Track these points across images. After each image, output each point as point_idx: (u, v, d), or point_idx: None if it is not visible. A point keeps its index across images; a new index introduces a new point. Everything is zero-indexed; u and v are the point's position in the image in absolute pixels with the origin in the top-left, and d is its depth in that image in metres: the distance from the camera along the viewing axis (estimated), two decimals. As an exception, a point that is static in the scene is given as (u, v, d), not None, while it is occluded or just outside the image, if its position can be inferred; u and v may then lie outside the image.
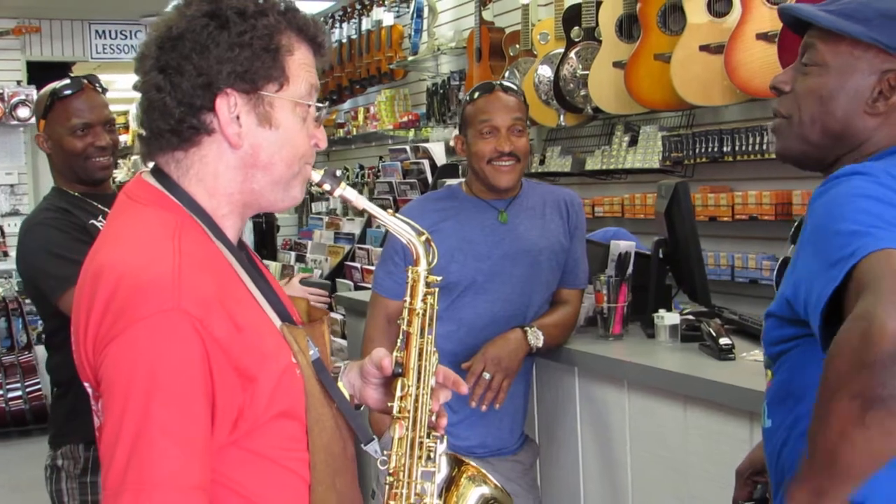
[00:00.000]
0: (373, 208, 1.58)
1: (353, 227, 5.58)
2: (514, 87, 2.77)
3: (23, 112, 7.68)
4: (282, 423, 1.39)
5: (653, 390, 2.63)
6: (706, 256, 3.85)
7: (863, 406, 1.16)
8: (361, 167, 7.58)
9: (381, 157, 7.16)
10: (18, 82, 8.19)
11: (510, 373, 2.64)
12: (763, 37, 3.61)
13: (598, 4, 4.53)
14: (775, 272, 3.83)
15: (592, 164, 4.80)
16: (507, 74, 5.24)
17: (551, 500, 3.05)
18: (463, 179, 2.92)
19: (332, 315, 3.96)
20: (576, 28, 4.64)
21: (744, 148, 3.88)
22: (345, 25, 7.43)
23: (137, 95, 1.45)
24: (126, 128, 11.74)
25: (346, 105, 8.01)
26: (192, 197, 1.41)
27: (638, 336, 3.00)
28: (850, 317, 1.21)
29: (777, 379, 1.51)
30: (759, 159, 3.85)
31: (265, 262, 4.41)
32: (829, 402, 1.20)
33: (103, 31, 8.77)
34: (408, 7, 6.67)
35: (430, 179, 5.41)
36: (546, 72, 4.85)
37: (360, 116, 7.44)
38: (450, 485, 1.63)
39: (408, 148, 5.90)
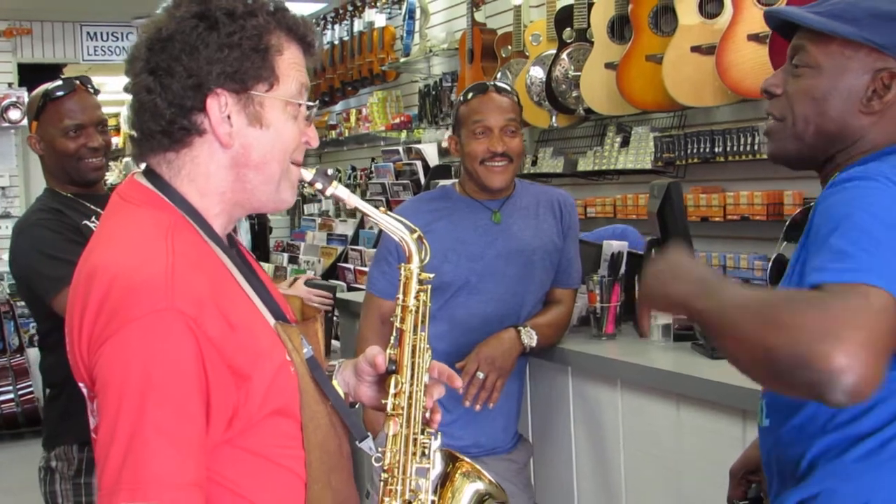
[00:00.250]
0: (365, 206, 1.58)
1: (345, 228, 5.58)
2: (508, 88, 2.78)
3: (14, 114, 7.66)
4: (276, 420, 1.39)
5: (646, 389, 2.64)
6: (698, 256, 3.86)
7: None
8: (354, 168, 7.58)
9: (373, 159, 7.16)
10: (10, 84, 8.18)
11: (504, 372, 2.64)
12: (754, 38, 3.63)
13: (590, 6, 4.55)
14: (768, 271, 3.85)
15: (584, 164, 4.81)
16: (499, 76, 5.25)
17: (545, 499, 3.06)
18: (456, 180, 2.92)
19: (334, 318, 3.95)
20: (568, 29, 4.66)
21: (735, 148, 3.90)
22: (337, 27, 7.44)
23: (129, 97, 1.45)
24: (117, 130, 11.72)
25: (338, 107, 8.02)
26: (184, 197, 1.42)
27: (631, 335, 3.00)
28: (828, 296, 1.21)
29: None
30: (751, 160, 3.86)
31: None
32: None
33: (94, 33, 8.76)
34: (400, 8, 6.68)
35: (422, 180, 5.41)
36: (538, 73, 4.86)
37: (353, 118, 7.45)
38: (444, 481, 1.64)
39: (400, 149, 5.90)
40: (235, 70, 1.38)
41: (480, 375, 2.61)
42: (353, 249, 4.98)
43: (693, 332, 2.74)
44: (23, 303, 6.06)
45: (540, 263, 2.77)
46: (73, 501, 2.63)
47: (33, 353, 6.41)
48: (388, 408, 1.54)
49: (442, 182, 4.48)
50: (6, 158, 8.07)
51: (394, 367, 1.56)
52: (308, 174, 1.51)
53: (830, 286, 1.23)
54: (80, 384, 1.38)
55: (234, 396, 1.32)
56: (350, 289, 4.59)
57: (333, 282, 4.17)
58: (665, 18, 4.12)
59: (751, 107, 3.96)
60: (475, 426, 2.73)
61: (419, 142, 6.21)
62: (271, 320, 1.43)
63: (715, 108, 4.04)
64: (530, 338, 2.69)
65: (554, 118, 4.86)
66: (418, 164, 5.55)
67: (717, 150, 3.98)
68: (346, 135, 7.59)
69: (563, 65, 4.68)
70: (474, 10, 5.56)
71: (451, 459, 1.65)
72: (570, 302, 2.89)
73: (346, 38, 7.28)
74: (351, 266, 4.83)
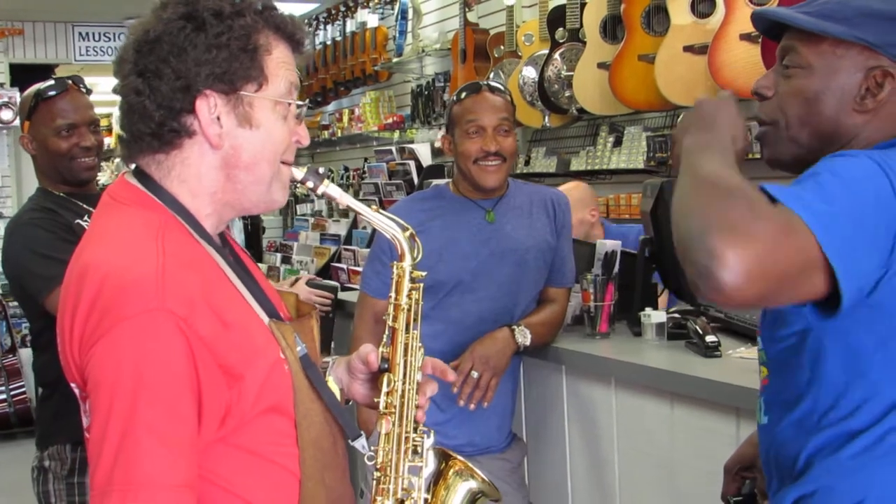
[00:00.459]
0: (357, 205, 1.58)
1: (338, 228, 5.58)
2: (501, 88, 2.78)
3: (6, 115, 7.64)
4: (270, 418, 1.39)
5: (640, 388, 2.64)
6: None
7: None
8: (346, 169, 7.58)
9: (366, 159, 7.16)
10: (1, 85, 8.15)
11: (498, 371, 2.64)
12: (746, 37, 3.63)
13: (583, 6, 4.55)
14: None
15: (577, 164, 4.81)
16: (491, 76, 5.25)
17: (539, 498, 3.06)
18: (450, 180, 2.92)
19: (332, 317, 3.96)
20: (560, 29, 4.66)
21: (728, 148, 3.89)
22: (329, 27, 7.43)
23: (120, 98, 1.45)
24: (109, 130, 11.69)
25: (331, 107, 8.01)
26: (174, 197, 1.41)
27: (625, 334, 3.01)
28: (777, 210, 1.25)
29: (777, 379, 1.51)
30: (744, 159, 3.86)
31: None
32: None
33: (86, 34, 8.74)
34: (392, 9, 6.67)
35: (415, 180, 5.41)
36: (531, 73, 4.86)
37: (345, 118, 7.44)
38: (437, 479, 1.64)
39: (393, 149, 5.90)
40: (224, 71, 1.38)
41: (475, 374, 2.61)
42: (346, 249, 4.97)
43: (687, 330, 2.75)
44: (15, 303, 6.06)
45: (534, 262, 2.78)
46: (66, 501, 2.63)
47: (25, 354, 6.40)
48: (381, 406, 1.55)
49: (435, 182, 4.48)
50: (-2, 158, 8.06)
51: (386, 366, 1.56)
52: (299, 173, 1.50)
53: (778, 203, 1.26)
54: (72, 384, 1.38)
55: (227, 395, 1.32)
56: (344, 289, 4.58)
57: (333, 282, 4.16)
58: (657, 18, 4.13)
59: (743, 106, 3.90)
60: (469, 425, 2.73)
61: (412, 142, 6.21)
62: (265, 318, 1.42)
63: (707, 107, 4.04)
64: (524, 337, 2.69)
65: (546, 118, 4.86)
66: (411, 163, 5.55)
67: (709, 149, 3.98)
68: (339, 135, 7.58)
69: (555, 65, 4.68)
70: (467, 10, 5.56)
71: (444, 458, 1.66)
72: (564, 301, 2.90)
73: (338, 39, 7.27)
74: (344, 266, 4.82)
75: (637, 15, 4.17)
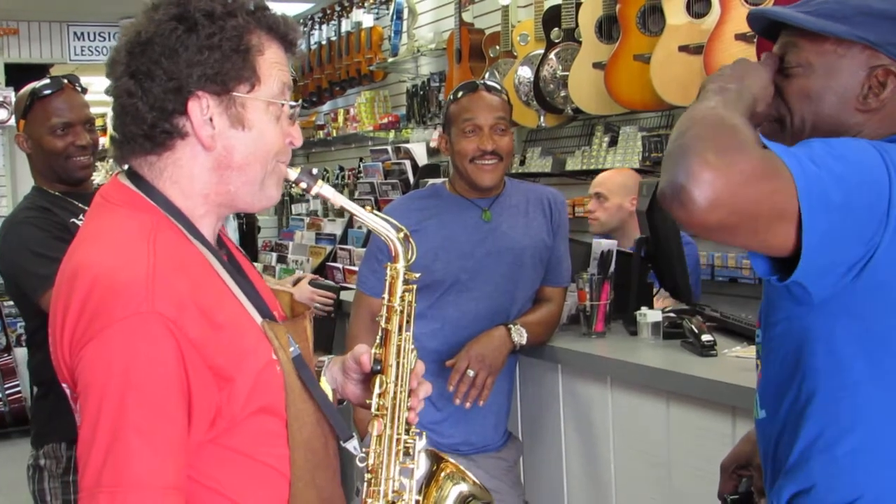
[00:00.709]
0: (350, 205, 1.57)
1: (334, 227, 5.57)
2: (498, 87, 2.78)
3: (1, 114, 7.62)
4: (261, 419, 1.39)
5: (636, 387, 2.65)
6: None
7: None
8: (342, 168, 7.57)
9: (361, 159, 7.15)
10: (-5, 84, 8.15)
11: (494, 370, 2.65)
12: (742, 37, 3.64)
13: (578, 6, 4.55)
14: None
15: (573, 164, 4.82)
16: (487, 75, 5.25)
17: (535, 496, 3.06)
18: (446, 179, 2.92)
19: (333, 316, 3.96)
20: (555, 29, 4.66)
21: (723, 147, 3.90)
22: (324, 27, 7.42)
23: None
24: (104, 130, 11.67)
25: (326, 107, 8.00)
26: (167, 198, 1.41)
27: (620, 333, 3.01)
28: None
29: (769, 369, 1.52)
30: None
31: None
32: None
33: (81, 33, 8.73)
34: (387, 9, 6.67)
35: (411, 180, 5.41)
36: (526, 73, 4.86)
37: (340, 118, 7.43)
38: (429, 481, 1.63)
39: (389, 148, 5.90)
40: (216, 72, 1.37)
41: (471, 373, 2.61)
42: (341, 249, 4.97)
43: (682, 329, 2.75)
44: (10, 302, 6.05)
45: (530, 261, 2.78)
46: (61, 499, 2.63)
47: (20, 353, 6.38)
48: (373, 408, 1.54)
49: (432, 181, 4.48)
50: (-6, 157, 8.05)
51: (379, 367, 1.56)
52: (293, 173, 1.50)
53: (769, 150, 1.29)
54: (64, 385, 1.38)
55: (217, 397, 1.33)
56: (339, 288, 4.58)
57: (334, 283, 4.16)
58: (653, 18, 4.13)
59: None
60: (465, 424, 2.73)
61: (407, 142, 6.21)
62: (258, 318, 1.42)
63: (703, 107, 4.04)
64: (520, 336, 2.69)
65: (542, 118, 4.86)
66: (407, 163, 5.55)
67: (704, 149, 3.98)
68: (334, 135, 7.58)
69: (551, 64, 4.68)
70: (462, 10, 5.56)
71: (436, 460, 1.65)
72: (560, 300, 2.90)
73: (333, 39, 7.26)
74: (340, 265, 4.82)
75: (632, 15, 4.18)
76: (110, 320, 1.26)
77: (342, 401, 1.68)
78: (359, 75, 6.91)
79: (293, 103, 1.47)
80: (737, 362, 2.51)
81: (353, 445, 1.53)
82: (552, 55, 4.68)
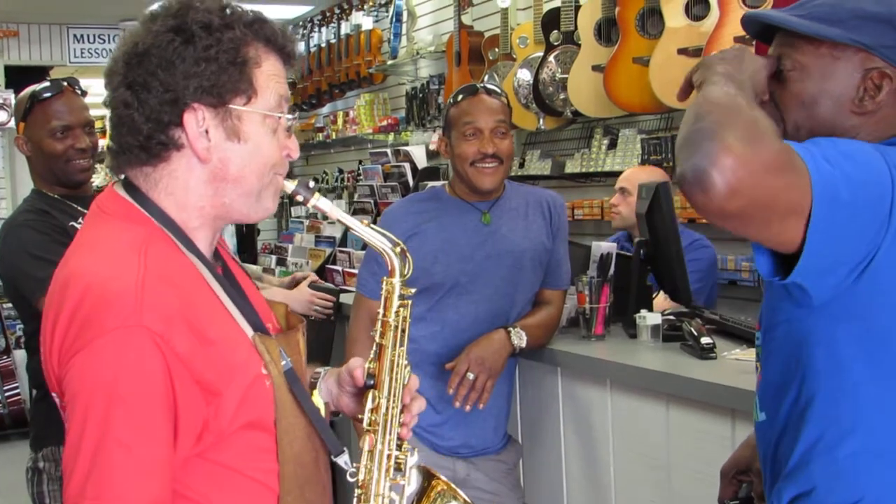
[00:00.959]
0: (347, 219, 1.56)
1: (333, 230, 5.57)
2: (498, 90, 2.78)
3: (0, 116, 7.62)
4: (249, 434, 1.39)
5: (635, 389, 2.65)
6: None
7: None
8: (341, 171, 7.57)
9: (360, 161, 7.15)
10: (-5, 87, 8.14)
11: (494, 373, 2.64)
12: (741, 40, 3.64)
13: (577, 8, 4.56)
14: (758, 273, 3.86)
15: (572, 167, 4.82)
16: (486, 78, 5.26)
17: (535, 499, 3.06)
18: (446, 182, 2.92)
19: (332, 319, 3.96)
20: (555, 32, 4.67)
21: (722, 150, 3.90)
22: (324, 30, 7.43)
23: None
24: (104, 132, 11.68)
25: (326, 109, 8.01)
26: (162, 209, 1.41)
27: (620, 336, 3.01)
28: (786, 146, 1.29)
29: (769, 371, 1.52)
30: None
31: (246, 265, 4.39)
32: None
33: (81, 36, 8.72)
34: (387, 11, 6.68)
35: (411, 182, 5.41)
36: (525, 75, 4.87)
37: (340, 120, 7.44)
38: (420, 498, 1.63)
39: (388, 151, 5.90)
40: (212, 84, 1.37)
41: (470, 376, 2.61)
42: (341, 251, 4.97)
43: (682, 332, 2.75)
44: (9, 304, 6.04)
45: (529, 264, 2.78)
46: (60, 502, 2.62)
47: (20, 355, 6.38)
48: (365, 423, 1.54)
49: (431, 184, 4.48)
50: (-6, 160, 8.04)
51: (372, 382, 1.55)
52: (290, 186, 1.49)
53: (786, 143, 1.30)
54: (53, 393, 1.38)
55: (204, 411, 1.32)
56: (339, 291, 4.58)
57: (334, 287, 4.16)
58: (652, 21, 4.14)
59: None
60: (465, 427, 2.73)
61: (406, 144, 6.21)
62: (249, 332, 1.41)
63: (702, 110, 4.04)
64: (520, 338, 2.69)
65: (541, 120, 4.86)
66: (406, 166, 5.54)
67: (704, 151, 3.98)
68: (333, 137, 7.58)
69: (550, 67, 4.69)
70: (461, 12, 5.56)
71: (427, 477, 1.64)
72: (560, 303, 2.90)
73: (333, 41, 7.27)
74: (339, 268, 4.82)
75: (631, 17, 4.18)
76: (98, 332, 1.26)
77: (337, 413, 1.68)
78: (358, 78, 6.91)
79: (290, 116, 1.46)
80: (736, 365, 2.51)
81: (343, 460, 1.53)
82: (551, 58, 4.68)
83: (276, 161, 1.45)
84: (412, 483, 1.56)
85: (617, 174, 4.52)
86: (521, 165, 5.11)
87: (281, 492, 1.42)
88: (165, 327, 1.27)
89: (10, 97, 7.50)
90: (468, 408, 2.64)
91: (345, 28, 7.12)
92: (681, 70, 3.83)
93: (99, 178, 9.84)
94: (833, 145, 1.33)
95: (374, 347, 1.57)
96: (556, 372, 2.92)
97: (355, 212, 5.69)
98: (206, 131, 1.38)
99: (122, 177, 1.45)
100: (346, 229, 5.36)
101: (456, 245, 2.72)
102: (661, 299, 3.23)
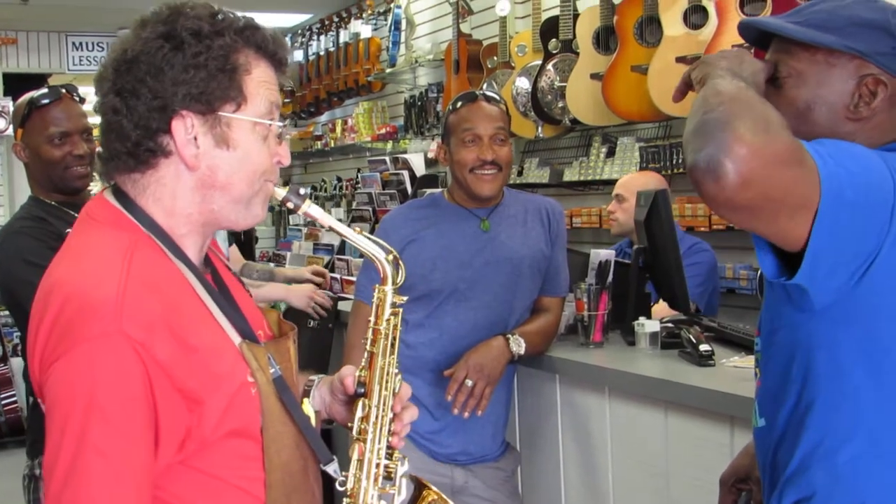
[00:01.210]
0: (339, 226, 1.55)
1: (332, 238, 5.56)
2: (497, 97, 2.79)
3: (-1, 123, 7.63)
4: (234, 442, 1.38)
5: (634, 397, 2.64)
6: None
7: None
8: (339, 179, 7.57)
9: (358, 169, 7.16)
10: (-7, 94, 8.15)
11: (492, 380, 2.64)
12: (739, 48, 3.64)
13: (576, 17, 4.57)
14: (756, 281, 3.87)
15: (570, 175, 4.83)
16: (484, 86, 5.26)
17: (532, 507, 3.05)
18: (444, 189, 2.92)
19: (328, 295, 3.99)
20: (553, 40, 4.68)
21: (720, 158, 3.90)
22: (322, 38, 7.44)
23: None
24: (102, 140, 11.68)
25: (324, 117, 8.01)
26: (149, 216, 1.40)
27: (618, 343, 3.01)
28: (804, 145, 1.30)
29: (769, 377, 1.52)
30: None
31: (254, 263, 4.41)
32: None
33: (80, 43, 8.74)
34: (385, 20, 6.69)
35: (409, 190, 5.41)
36: (524, 84, 4.87)
37: (338, 128, 7.44)
38: None
39: (387, 159, 5.90)
40: (201, 91, 1.36)
41: (469, 383, 2.61)
42: (339, 259, 4.96)
43: (680, 339, 2.75)
44: (5, 312, 6.03)
45: (528, 271, 2.78)
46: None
47: (17, 363, 6.36)
48: (354, 431, 1.53)
49: (429, 191, 4.48)
50: (-9, 167, 8.05)
51: (363, 390, 1.54)
52: (281, 192, 1.48)
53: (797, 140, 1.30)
54: (39, 400, 1.36)
55: (186, 419, 1.31)
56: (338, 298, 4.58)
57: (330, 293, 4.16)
58: (650, 29, 4.14)
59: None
60: (463, 434, 2.73)
61: (405, 152, 6.21)
62: (237, 339, 1.40)
63: (700, 118, 4.05)
64: (518, 346, 2.69)
65: (540, 129, 4.87)
66: (405, 173, 5.55)
67: (702, 160, 3.98)
68: (332, 145, 7.58)
69: (548, 75, 4.69)
70: (460, 20, 5.57)
71: (418, 487, 1.64)
72: (558, 310, 2.90)
73: (331, 49, 7.28)
74: (338, 276, 4.81)
75: (630, 26, 4.19)
76: (78, 340, 1.25)
77: (330, 421, 1.67)
78: (357, 86, 6.92)
79: (281, 123, 1.46)
80: (735, 372, 2.51)
81: (333, 469, 1.51)
82: (550, 66, 4.69)
83: (267, 168, 1.44)
84: (402, 492, 1.55)
85: (615, 182, 4.53)
86: (520, 173, 5.11)
87: (267, 500, 1.41)
88: (146, 335, 1.27)
89: (9, 105, 7.51)
90: (466, 415, 2.63)
91: (343, 36, 7.13)
92: (679, 78, 3.87)
93: (97, 186, 9.82)
94: (837, 146, 1.33)
95: (366, 356, 1.56)
96: (554, 379, 2.92)
97: (353, 220, 5.69)
98: (195, 138, 1.38)
99: (112, 184, 1.45)
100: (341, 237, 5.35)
101: (454, 252, 2.72)
102: (659, 306, 3.23)
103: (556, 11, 4.67)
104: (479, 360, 2.63)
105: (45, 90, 2.74)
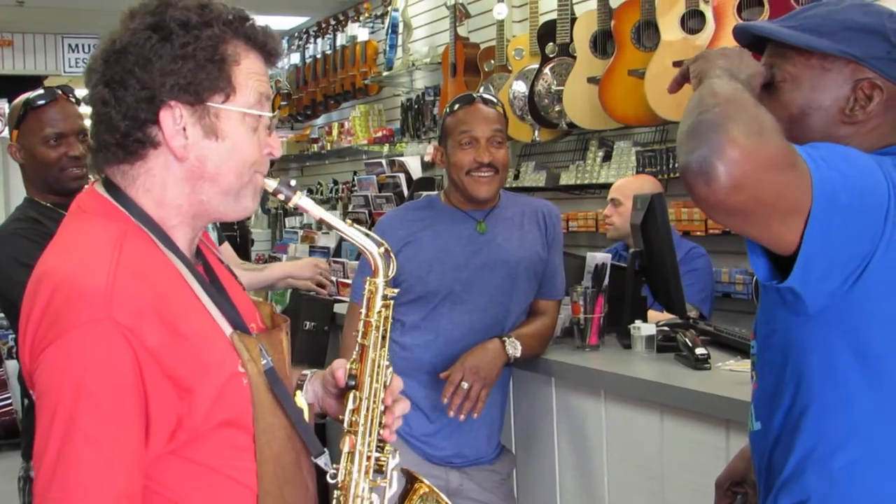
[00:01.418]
0: (330, 218, 1.55)
1: (328, 240, 5.56)
2: (494, 100, 2.79)
3: (-6, 126, 7.63)
4: (225, 432, 1.38)
5: (629, 400, 2.64)
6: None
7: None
8: (336, 182, 7.57)
9: (355, 172, 7.16)
10: (-11, 96, 8.15)
11: (488, 382, 2.64)
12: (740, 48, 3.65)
13: (573, 21, 4.57)
14: (752, 285, 3.87)
15: (567, 178, 4.83)
16: (481, 90, 5.26)
17: (528, 511, 3.05)
18: (441, 191, 2.92)
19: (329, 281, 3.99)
20: (550, 44, 4.68)
21: (717, 162, 3.90)
22: (319, 41, 7.44)
23: None
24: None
25: (321, 120, 8.02)
26: (139, 207, 1.40)
27: (614, 347, 3.01)
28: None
29: (764, 380, 1.52)
30: None
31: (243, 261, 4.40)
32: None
33: (76, 45, 8.73)
34: (382, 23, 6.69)
35: (405, 193, 5.41)
36: (521, 87, 4.88)
37: (335, 131, 7.44)
38: (402, 500, 1.62)
39: (384, 162, 5.90)
40: (189, 82, 1.36)
41: (465, 385, 2.61)
42: (335, 261, 4.96)
43: (676, 343, 2.75)
44: (0, 315, 6.02)
45: (524, 274, 2.78)
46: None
47: (12, 365, 6.35)
48: (345, 424, 1.52)
49: (426, 194, 4.49)
50: (-14, 168, 8.04)
51: (353, 383, 1.54)
52: (272, 184, 1.48)
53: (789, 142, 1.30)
54: (31, 390, 1.36)
55: (177, 407, 1.31)
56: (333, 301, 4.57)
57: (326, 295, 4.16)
58: (647, 34, 4.15)
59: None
60: (459, 436, 2.72)
61: (401, 155, 6.21)
62: (228, 330, 1.40)
63: (697, 122, 4.05)
64: (514, 348, 2.69)
65: (536, 132, 4.87)
66: (401, 176, 5.55)
67: (698, 164, 3.99)
68: (329, 148, 7.58)
69: (545, 79, 4.70)
70: (457, 24, 5.58)
71: (410, 480, 1.63)
72: (554, 313, 2.90)
73: (328, 52, 7.28)
74: (334, 278, 4.80)
75: (627, 30, 4.19)
76: (67, 326, 1.25)
77: (323, 415, 1.66)
78: (353, 89, 6.93)
79: (270, 114, 1.45)
80: (731, 376, 2.51)
81: (323, 461, 1.51)
82: (547, 70, 4.69)
83: (256, 159, 1.44)
84: (394, 485, 1.55)
85: (611, 186, 4.53)
86: (516, 177, 5.11)
87: (260, 492, 1.41)
88: (135, 321, 1.27)
89: (4, 106, 7.51)
90: (462, 417, 2.63)
91: (340, 39, 7.13)
92: (676, 82, 3.87)
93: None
94: (831, 150, 1.33)
95: (357, 348, 1.56)
96: (550, 382, 2.92)
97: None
98: (184, 129, 1.38)
99: (102, 176, 1.45)
100: (340, 239, 5.37)
101: (451, 253, 2.71)
102: (652, 315, 3.23)
103: (554, 15, 4.67)
104: (475, 362, 2.63)
105: (40, 91, 2.73)
